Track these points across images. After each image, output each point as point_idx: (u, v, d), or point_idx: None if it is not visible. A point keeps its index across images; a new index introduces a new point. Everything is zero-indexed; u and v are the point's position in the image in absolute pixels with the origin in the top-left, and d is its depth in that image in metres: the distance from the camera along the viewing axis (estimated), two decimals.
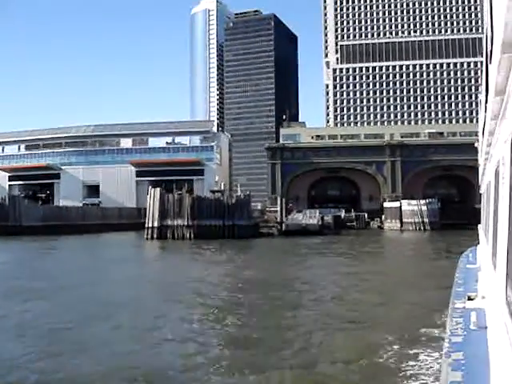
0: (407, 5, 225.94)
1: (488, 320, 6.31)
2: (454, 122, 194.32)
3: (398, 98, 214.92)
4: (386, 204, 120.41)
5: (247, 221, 78.48)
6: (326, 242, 67.13)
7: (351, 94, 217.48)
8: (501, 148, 6.13)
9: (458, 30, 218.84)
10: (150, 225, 76.67)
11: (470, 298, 8.02)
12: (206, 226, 75.91)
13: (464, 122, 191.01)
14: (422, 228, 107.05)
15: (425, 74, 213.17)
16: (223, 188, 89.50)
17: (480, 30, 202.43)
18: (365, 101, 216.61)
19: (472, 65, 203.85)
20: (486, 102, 7.25)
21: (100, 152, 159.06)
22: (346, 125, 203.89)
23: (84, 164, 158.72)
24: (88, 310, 21.72)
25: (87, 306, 22.56)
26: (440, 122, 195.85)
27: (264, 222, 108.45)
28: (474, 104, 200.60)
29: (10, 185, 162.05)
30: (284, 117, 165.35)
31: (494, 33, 4.57)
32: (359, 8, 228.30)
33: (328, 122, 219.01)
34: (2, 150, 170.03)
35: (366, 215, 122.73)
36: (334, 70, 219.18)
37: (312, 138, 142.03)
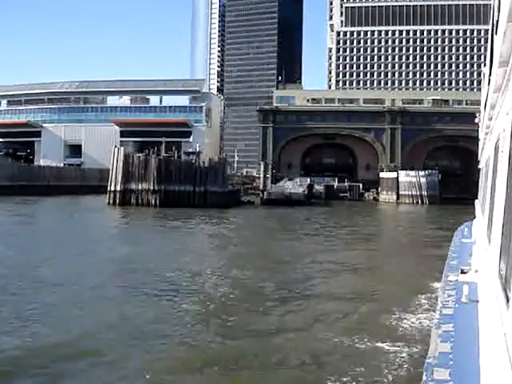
0: None
1: (480, 293, 6.44)
2: (461, 90, 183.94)
3: (404, 65, 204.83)
4: (382, 174, 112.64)
5: (221, 187, 69.58)
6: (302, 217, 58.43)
7: (355, 58, 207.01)
8: (502, 121, 6.25)
9: None
10: (113, 188, 68.39)
11: (463, 272, 8.32)
12: (174, 192, 67.39)
13: (472, 90, 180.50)
14: (420, 201, 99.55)
15: (432, 40, 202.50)
16: (198, 150, 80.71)
17: None
18: (368, 66, 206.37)
19: (482, 32, 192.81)
20: (490, 74, 7.31)
21: (83, 109, 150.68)
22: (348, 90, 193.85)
23: (66, 122, 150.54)
24: None
25: None
26: (446, 90, 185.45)
27: (253, 189, 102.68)
28: (481, 73, 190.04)
29: None
30: (280, 78, 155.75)
31: (501, 2, 4.63)
32: None
33: (330, 87, 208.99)
34: None
35: (361, 186, 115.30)
36: (338, 33, 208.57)
37: (308, 101, 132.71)
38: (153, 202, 66.64)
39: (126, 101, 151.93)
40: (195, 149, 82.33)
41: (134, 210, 62.01)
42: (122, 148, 70.09)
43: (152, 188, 67.00)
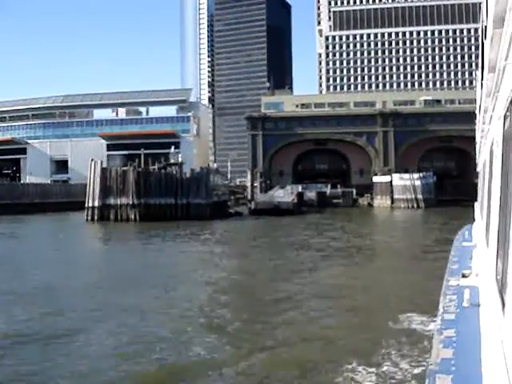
0: None
1: (481, 297, 6.36)
2: (453, 89, 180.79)
3: (394, 67, 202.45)
4: (376, 178, 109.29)
5: (205, 199, 66.00)
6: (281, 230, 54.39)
7: (344, 62, 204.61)
8: (495, 125, 6.31)
9: None
10: (91, 204, 64.80)
11: (464, 276, 8.26)
12: (155, 206, 63.89)
13: (464, 89, 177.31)
14: (415, 205, 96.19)
15: (422, 41, 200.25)
16: (181, 160, 77.34)
17: None
18: (359, 70, 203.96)
19: (472, 31, 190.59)
20: (482, 78, 7.32)
21: (68, 124, 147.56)
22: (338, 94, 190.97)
23: (51, 137, 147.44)
24: None
25: None
26: (438, 90, 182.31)
27: (244, 199, 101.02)
28: (473, 73, 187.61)
29: None
30: (268, 84, 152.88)
31: (488, 8, 4.73)
32: None
33: (321, 92, 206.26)
34: None
35: (355, 191, 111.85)
36: (327, 38, 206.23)
37: (297, 106, 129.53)
38: (132, 216, 63.15)
39: (118, 113, 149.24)
40: (177, 159, 79.12)
41: (108, 227, 58.42)
42: (98, 161, 66.51)
43: (131, 202, 63.53)
